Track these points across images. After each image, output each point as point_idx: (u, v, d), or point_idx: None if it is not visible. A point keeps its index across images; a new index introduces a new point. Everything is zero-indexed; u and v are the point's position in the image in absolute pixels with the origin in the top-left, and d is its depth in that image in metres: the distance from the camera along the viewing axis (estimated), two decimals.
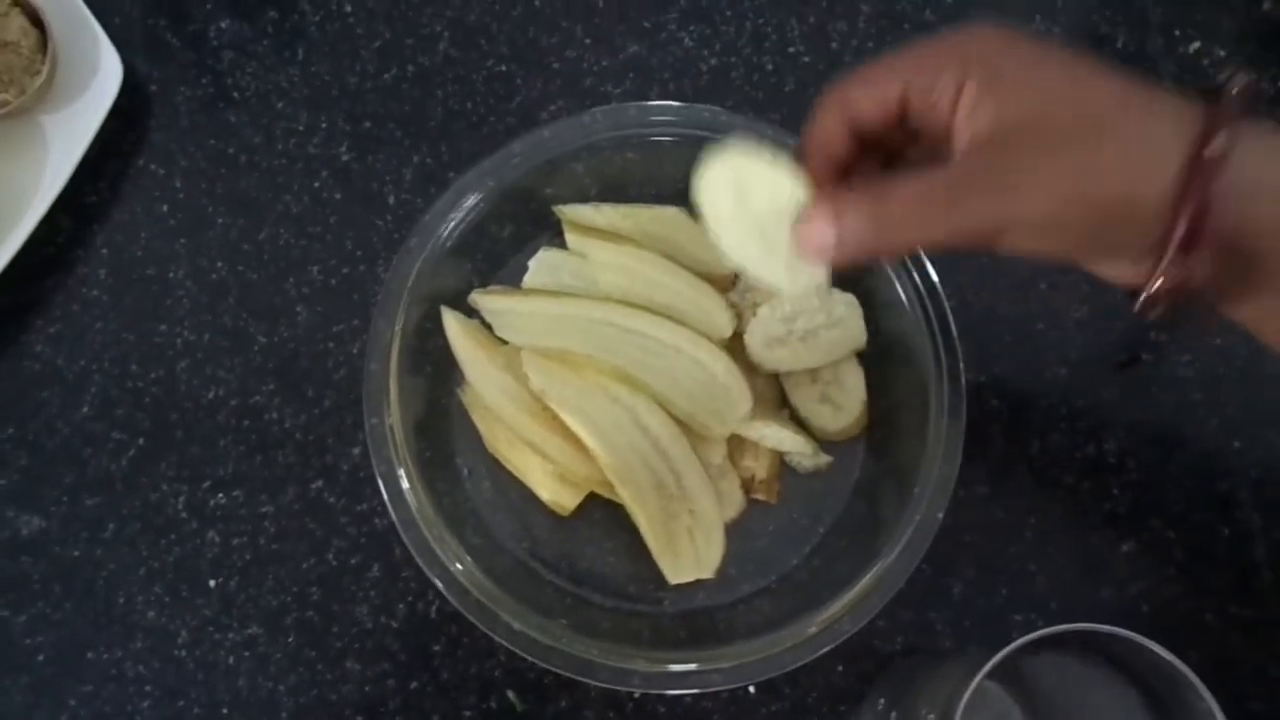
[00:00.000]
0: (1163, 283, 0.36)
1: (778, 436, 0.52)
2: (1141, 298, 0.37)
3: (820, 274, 0.40)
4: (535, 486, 0.53)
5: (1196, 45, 0.62)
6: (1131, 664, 0.43)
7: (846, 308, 0.54)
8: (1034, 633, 0.40)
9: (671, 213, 0.55)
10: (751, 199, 0.40)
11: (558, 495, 0.52)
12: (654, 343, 0.51)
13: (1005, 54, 0.36)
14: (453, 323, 0.53)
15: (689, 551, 0.50)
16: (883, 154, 0.41)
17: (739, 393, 0.51)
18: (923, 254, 0.52)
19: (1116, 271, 0.38)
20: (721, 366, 0.51)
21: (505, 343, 0.53)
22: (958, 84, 0.36)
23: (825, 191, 0.39)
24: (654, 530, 0.50)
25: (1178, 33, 0.62)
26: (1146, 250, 0.35)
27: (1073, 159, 0.35)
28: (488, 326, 0.54)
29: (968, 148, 0.36)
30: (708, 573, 0.51)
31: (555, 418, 0.50)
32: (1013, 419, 0.56)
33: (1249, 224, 0.35)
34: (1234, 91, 0.35)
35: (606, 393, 0.51)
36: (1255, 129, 0.34)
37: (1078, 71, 0.36)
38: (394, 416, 0.49)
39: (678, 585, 0.51)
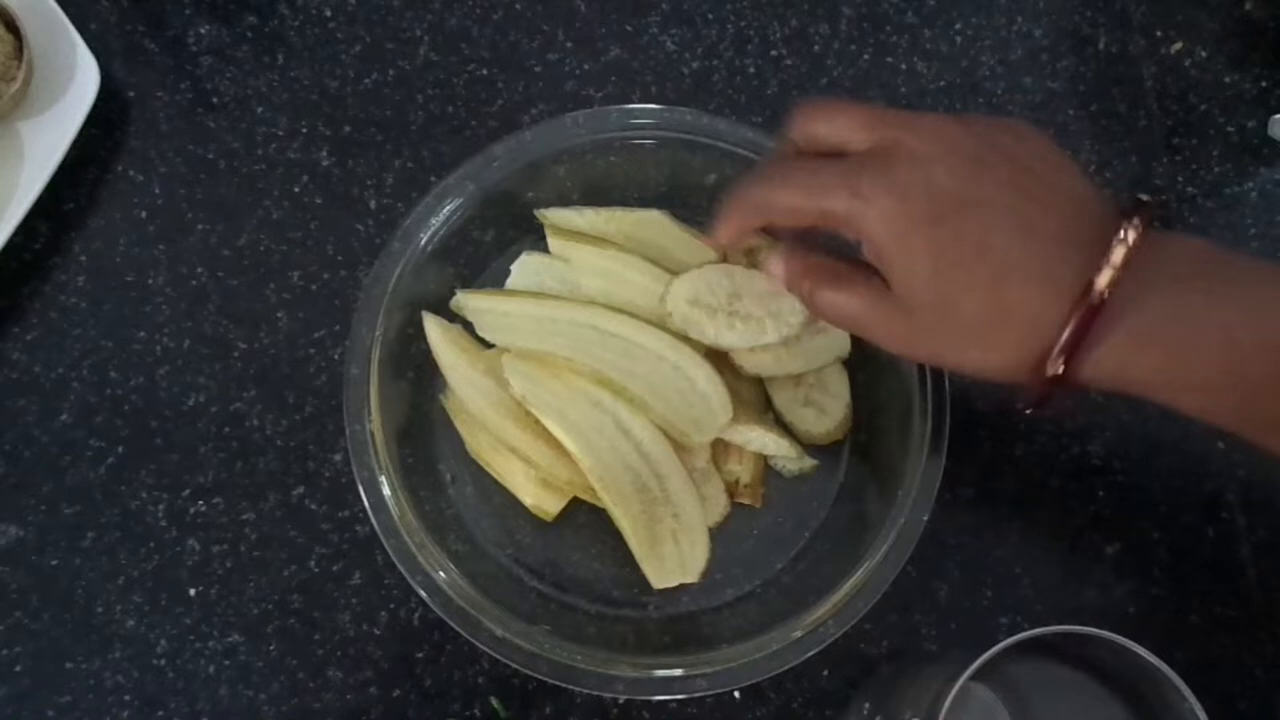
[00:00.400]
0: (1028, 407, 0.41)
1: (762, 440, 0.52)
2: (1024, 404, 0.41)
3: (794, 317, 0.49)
4: (518, 492, 0.52)
5: (1178, 46, 0.62)
6: (1115, 665, 0.43)
7: None
8: (1017, 635, 0.40)
9: (654, 216, 0.55)
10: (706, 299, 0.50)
11: (541, 500, 0.52)
12: (636, 348, 0.51)
13: (889, 241, 0.39)
14: (434, 327, 0.53)
15: (673, 556, 0.50)
16: None
17: (719, 402, 0.51)
18: None
19: None
20: (702, 375, 0.51)
21: (487, 347, 0.53)
22: (856, 239, 0.41)
23: (793, 236, 0.45)
24: (637, 535, 0.49)
25: (1159, 33, 0.62)
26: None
27: (934, 344, 0.41)
28: (470, 332, 0.54)
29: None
30: (692, 577, 0.51)
31: (537, 422, 0.50)
32: (998, 421, 0.56)
33: (1127, 374, 0.38)
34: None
35: (588, 397, 0.51)
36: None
37: (951, 273, 0.38)
38: (375, 422, 0.49)
39: (662, 590, 0.51)
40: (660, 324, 0.51)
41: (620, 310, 0.52)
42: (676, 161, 0.56)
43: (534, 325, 0.51)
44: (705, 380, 0.50)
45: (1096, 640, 0.40)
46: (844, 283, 0.42)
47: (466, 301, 0.53)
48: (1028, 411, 0.41)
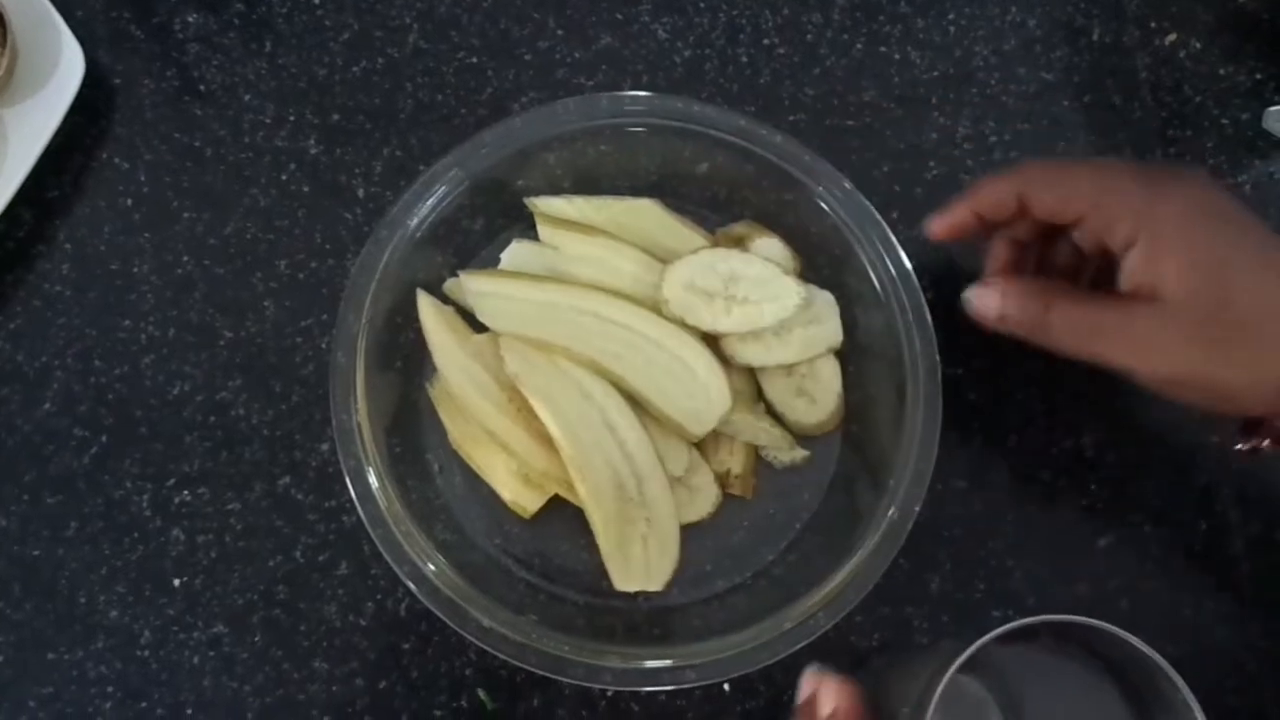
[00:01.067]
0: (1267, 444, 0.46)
1: (753, 430, 0.52)
2: (1244, 448, 0.47)
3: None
4: (498, 486, 0.52)
5: (1173, 38, 0.61)
6: (1107, 655, 0.42)
7: (825, 306, 0.53)
8: (1006, 625, 0.39)
9: (645, 204, 0.54)
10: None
11: (519, 496, 0.51)
12: (636, 336, 0.50)
13: (1183, 231, 0.41)
14: (427, 306, 0.52)
15: (640, 559, 0.50)
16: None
17: (718, 392, 0.50)
18: (894, 239, 0.51)
19: None
20: (703, 365, 0.50)
21: (478, 331, 0.52)
22: (1131, 237, 0.42)
23: (1003, 270, 0.50)
24: (607, 532, 0.49)
25: (1154, 25, 0.62)
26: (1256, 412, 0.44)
27: (1193, 348, 0.41)
28: (463, 317, 0.53)
29: (1128, 291, 0.43)
30: (656, 585, 0.50)
31: (521, 411, 0.50)
32: (990, 413, 0.55)
33: None
34: None
35: (580, 388, 0.50)
36: None
37: (1239, 271, 0.41)
38: (362, 412, 0.48)
39: None
40: (656, 312, 0.51)
41: (622, 296, 0.51)
42: (668, 150, 0.55)
43: (534, 310, 0.51)
44: (706, 370, 0.50)
45: (1088, 629, 0.40)
46: (1086, 298, 0.44)
47: (468, 283, 0.52)
48: (1246, 447, 0.45)
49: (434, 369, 0.53)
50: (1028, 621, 0.39)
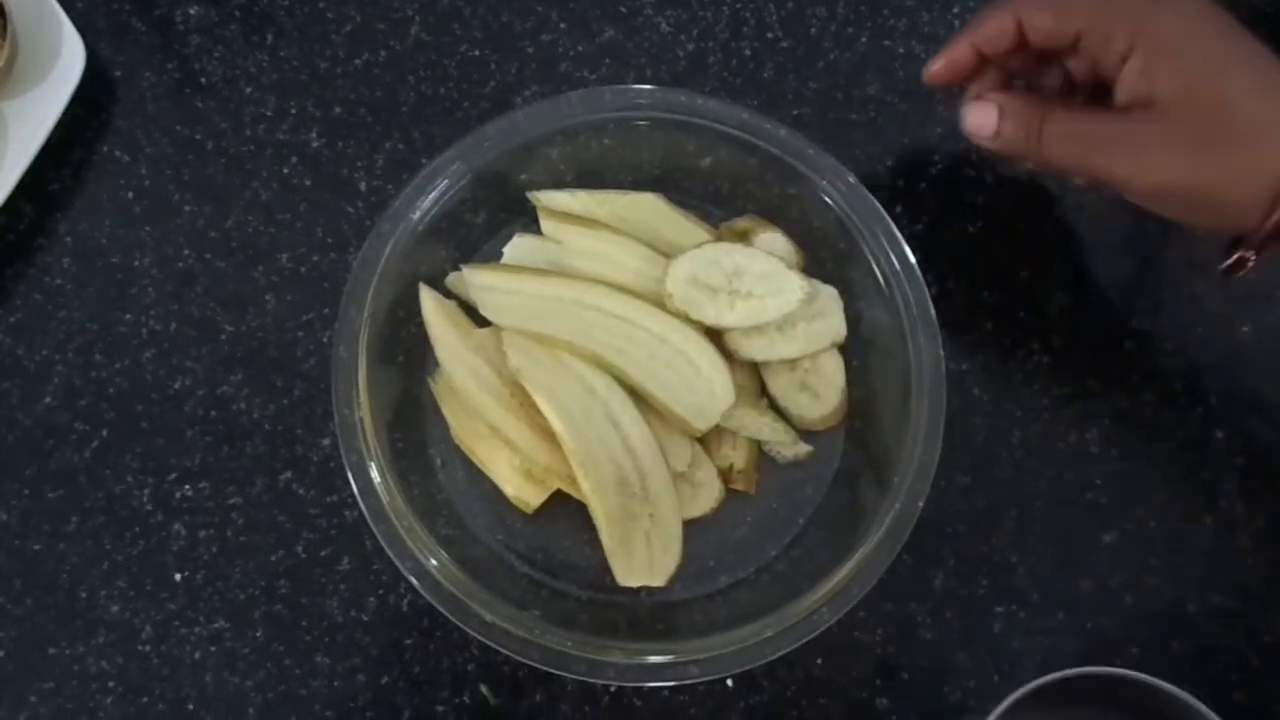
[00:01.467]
0: (1251, 262, 0.44)
1: (756, 425, 0.52)
2: (1225, 264, 0.46)
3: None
4: (500, 481, 0.51)
5: None
6: (1139, 701, 0.41)
7: (828, 301, 0.53)
8: (1035, 682, 0.38)
9: (648, 199, 0.54)
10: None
11: (522, 491, 0.51)
12: (639, 331, 0.50)
13: (1180, 39, 0.42)
14: (429, 299, 0.52)
15: (643, 555, 0.49)
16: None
17: (721, 388, 0.50)
18: (899, 234, 0.51)
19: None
20: (707, 360, 0.50)
21: (481, 325, 0.52)
22: (1128, 47, 0.42)
23: (997, 86, 0.49)
24: (610, 528, 0.49)
25: None
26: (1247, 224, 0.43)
27: (1189, 155, 0.41)
28: (465, 311, 0.53)
29: (1123, 105, 0.43)
30: (659, 580, 0.50)
31: (523, 405, 0.49)
32: (994, 408, 0.55)
33: None
34: None
35: (583, 382, 0.50)
36: None
37: (1236, 79, 0.41)
38: (364, 406, 0.48)
39: None
40: (660, 306, 0.50)
41: (626, 290, 0.51)
42: (671, 144, 0.55)
43: (537, 305, 0.50)
44: (709, 365, 0.50)
45: (1121, 679, 0.39)
46: (1082, 110, 0.45)
47: (471, 277, 0.52)
48: (1230, 262, 0.45)
49: (436, 364, 0.52)
50: (1054, 677, 0.38)
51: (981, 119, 0.47)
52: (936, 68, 0.49)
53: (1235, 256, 0.45)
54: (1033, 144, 0.45)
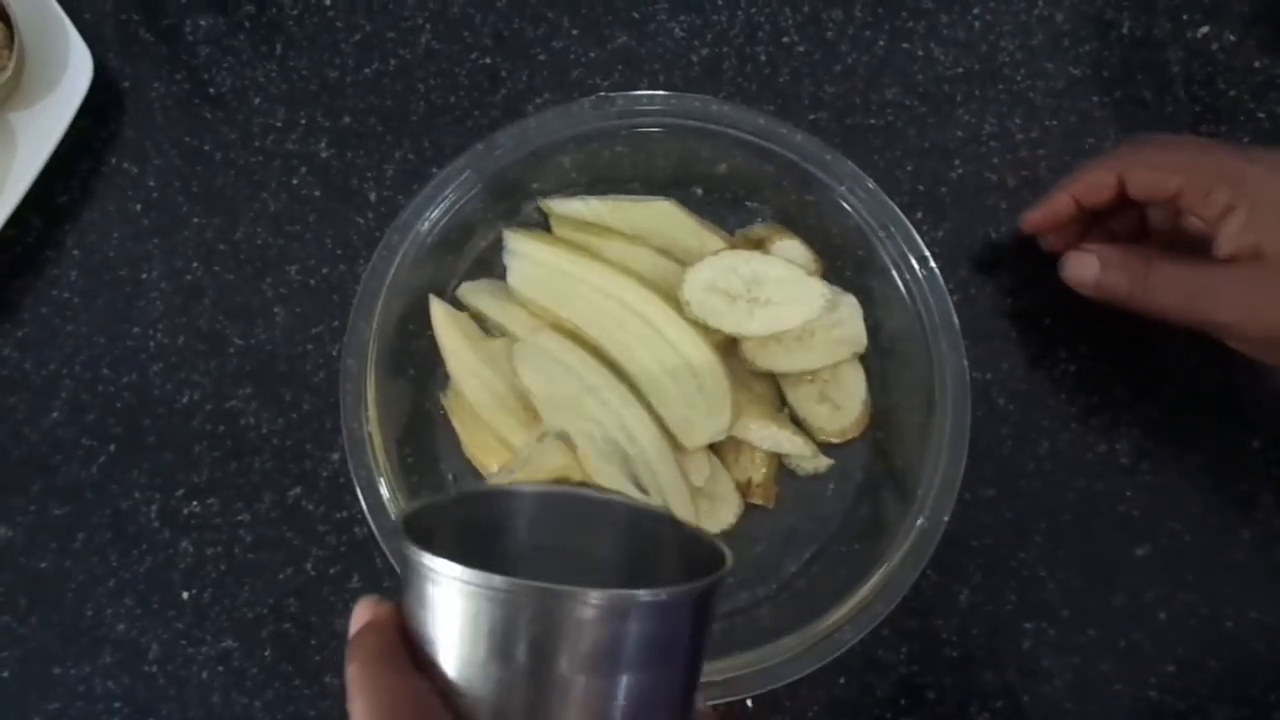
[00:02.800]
0: None
1: (775, 438, 0.50)
2: None
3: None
4: None
5: (1205, 30, 0.59)
6: None
7: (848, 309, 0.51)
8: None
9: (663, 205, 0.53)
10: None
11: None
12: (652, 332, 0.49)
13: (1273, 202, 0.44)
14: (440, 311, 0.51)
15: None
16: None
17: (719, 410, 0.48)
18: (920, 240, 0.50)
19: None
20: (712, 379, 0.49)
21: (492, 337, 0.51)
22: (1230, 203, 0.44)
23: (1099, 239, 0.51)
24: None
25: (1186, 17, 0.60)
26: None
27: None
28: (475, 321, 0.52)
29: (1227, 256, 0.44)
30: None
31: (536, 418, 0.48)
32: (1021, 418, 0.54)
33: None
34: None
35: (596, 397, 0.49)
36: None
37: None
38: (373, 421, 0.47)
39: None
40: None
41: (650, 286, 0.50)
42: (685, 151, 0.54)
43: (562, 282, 0.50)
44: (713, 384, 0.49)
45: None
46: (1186, 259, 0.46)
47: (508, 240, 0.52)
48: None
49: (447, 376, 0.51)
50: None
51: (1083, 271, 0.49)
52: (1036, 218, 0.51)
53: None
54: (1137, 292, 0.47)
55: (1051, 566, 0.52)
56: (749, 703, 0.50)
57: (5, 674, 0.50)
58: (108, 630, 0.51)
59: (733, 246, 0.52)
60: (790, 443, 0.50)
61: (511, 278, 0.52)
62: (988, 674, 0.50)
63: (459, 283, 0.53)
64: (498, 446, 0.50)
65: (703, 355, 0.49)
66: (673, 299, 0.50)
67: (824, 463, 0.52)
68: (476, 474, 0.52)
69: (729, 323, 0.49)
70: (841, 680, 0.50)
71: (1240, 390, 0.54)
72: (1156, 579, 0.51)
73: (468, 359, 0.50)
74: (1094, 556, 0.52)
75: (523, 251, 0.52)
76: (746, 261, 0.49)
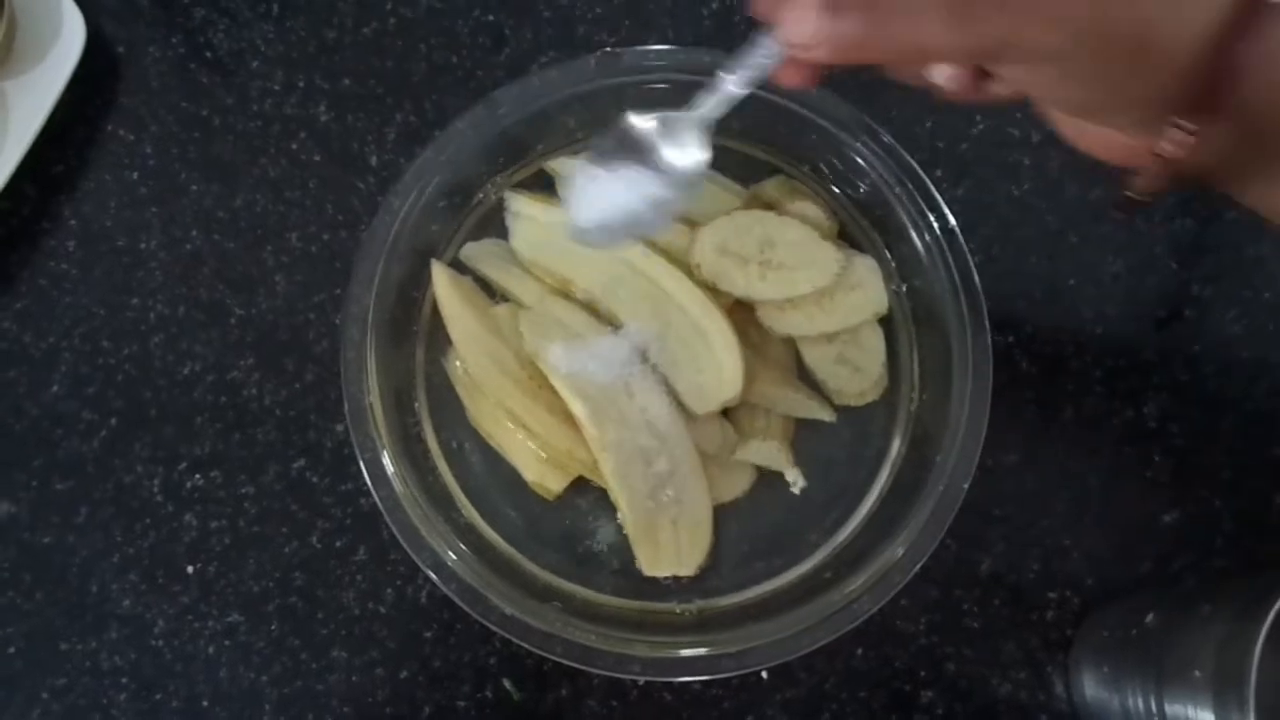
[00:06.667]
0: (1170, 151, 0.32)
1: (789, 401, 0.49)
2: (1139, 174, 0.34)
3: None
4: (521, 467, 0.49)
5: None
6: None
7: (866, 271, 0.50)
8: None
9: None
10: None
11: (543, 478, 0.48)
12: (661, 295, 0.48)
13: None
14: (442, 276, 0.50)
15: (670, 544, 0.47)
16: None
17: (730, 374, 0.47)
18: (939, 198, 0.48)
19: (1107, 141, 0.35)
20: (722, 342, 0.47)
21: (496, 302, 0.50)
22: None
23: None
24: (635, 517, 0.47)
25: None
26: (1156, 110, 0.31)
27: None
28: (480, 285, 0.51)
29: None
30: (688, 570, 0.47)
31: (542, 387, 0.47)
32: (1044, 382, 0.52)
33: None
34: None
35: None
36: None
37: None
38: (375, 390, 0.46)
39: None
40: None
41: (660, 250, 0.48)
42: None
43: (565, 243, 0.48)
44: (723, 347, 0.47)
45: None
46: None
47: (510, 201, 0.51)
48: (1127, 200, 0.35)
49: (451, 342, 0.50)
50: None
51: (799, 27, 0.32)
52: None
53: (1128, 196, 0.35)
54: (878, 29, 0.31)
55: (1076, 534, 0.50)
56: (764, 674, 0.49)
57: (10, 650, 0.50)
58: (113, 606, 0.50)
59: (746, 206, 0.50)
60: (805, 406, 0.49)
61: (515, 240, 0.50)
62: (1009, 644, 0.49)
63: (463, 243, 0.52)
64: (504, 416, 0.49)
65: (713, 318, 0.47)
66: (681, 261, 0.48)
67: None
68: (481, 443, 0.50)
69: (740, 285, 0.47)
70: (859, 651, 0.49)
71: (1271, 352, 0.52)
72: (1185, 546, 0.50)
73: (472, 327, 0.49)
74: (1120, 524, 0.50)
75: (526, 213, 0.50)
76: (760, 222, 0.48)
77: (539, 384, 0.47)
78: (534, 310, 0.49)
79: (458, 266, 0.51)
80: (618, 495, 0.46)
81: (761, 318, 0.49)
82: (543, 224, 0.50)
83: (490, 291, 0.51)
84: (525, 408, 0.47)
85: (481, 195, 0.52)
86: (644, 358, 0.48)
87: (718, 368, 0.47)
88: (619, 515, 0.48)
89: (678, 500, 0.47)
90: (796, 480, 0.49)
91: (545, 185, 0.53)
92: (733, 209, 0.49)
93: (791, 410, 0.49)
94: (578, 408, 0.45)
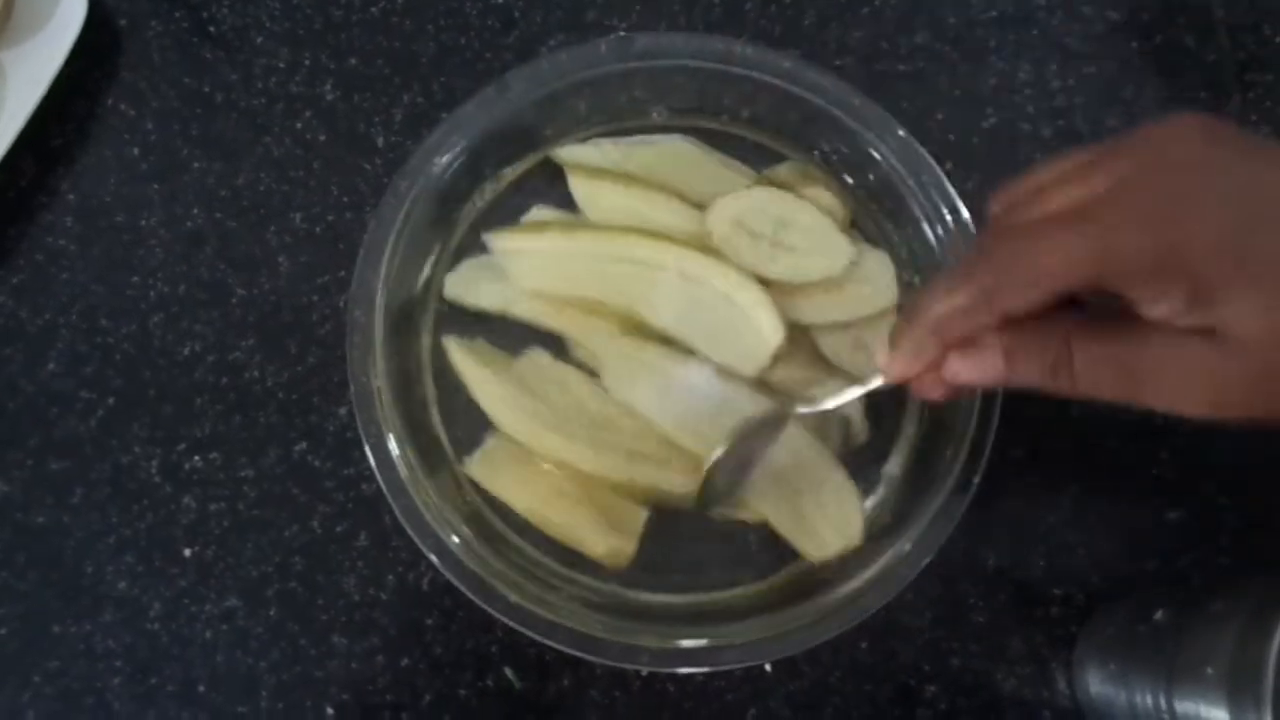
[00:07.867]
0: None
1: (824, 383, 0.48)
2: None
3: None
4: (586, 547, 0.47)
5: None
6: None
7: (878, 264, 0.49)
8: None
9: (678, 145, 0.51)
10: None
11: (612, 548, 0.46)
12: (675, 276, 0.47)
13: (1227, 273, 0.32)
14: (455, 349, 0.49)
15: (823, 522, 0.46)
16: None
17: (769, 325, 0.46)
18: (952, 190, 0.48)
19: None
20: (749, 297, 0.46)
21: (511, 357, 0.50)
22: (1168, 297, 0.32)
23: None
24: (780, 516, 0.46)
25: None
26: None
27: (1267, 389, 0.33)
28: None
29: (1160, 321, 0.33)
30: (855, 540, 0.46)
31: (589, 425, 0.47)
32: None
33: None
34: None
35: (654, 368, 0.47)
36: None
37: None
38: (381, 373, 0.45)
39: None
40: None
41: (659, 235, 0.48)
42: (705, 95, 0.52)
43: (566, 264, 0.48)
44: (752, 302, 0.46)
45: None
46: (1112, 333, 0.34)
47: (495, 244, 0.50)
48: None
49: (458, 327, 0.49)
50: None
51: (984, 371, 0.36)
52: (900, 368, 0.39)
53: None
54: (1062, 382, 0.35)
55: (1082, 530, 0.50)
56: (768, 667, 0.48)
57: (3, 632, 0.49)
58: (108, 588, 0.49)
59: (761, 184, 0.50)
60: (842, 380, 0.48)
61: (515, 277, 0.49)
62: (1014, 640, 0.49)
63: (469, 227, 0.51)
64: (558, 492, 0.47)
65: (732, 278, 0.47)
66: (692, 243, 0.47)
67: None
68: (488, 428, 0.50)
69: (748, 261, 0.47)
70: (864, 645, 0.49)
71: None
72: (1191, 544, 0.50)
73: (494, 387, 0.48)
74: (1126, 520, 0.50)
75: (514, 248, 0.49)
76: (778, 202, 0.47)
77: (586, 422, 0.47)
78: (610, 360, 0.48)
79: (445, 303, 0.50)
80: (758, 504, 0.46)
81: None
82: (533, 253, 0.49)
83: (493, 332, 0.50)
84: (575, 453, 0.46)
85: (489, 179, 0.51)
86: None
87: (754, 325, 0.46)
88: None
89: (806, 478, 0.46)
90: (861, 432, 0.49)
91: (553, 168, 0.52)
92: (754, 185, 0.48)
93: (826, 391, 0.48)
94: (702, 450, 0.44)
